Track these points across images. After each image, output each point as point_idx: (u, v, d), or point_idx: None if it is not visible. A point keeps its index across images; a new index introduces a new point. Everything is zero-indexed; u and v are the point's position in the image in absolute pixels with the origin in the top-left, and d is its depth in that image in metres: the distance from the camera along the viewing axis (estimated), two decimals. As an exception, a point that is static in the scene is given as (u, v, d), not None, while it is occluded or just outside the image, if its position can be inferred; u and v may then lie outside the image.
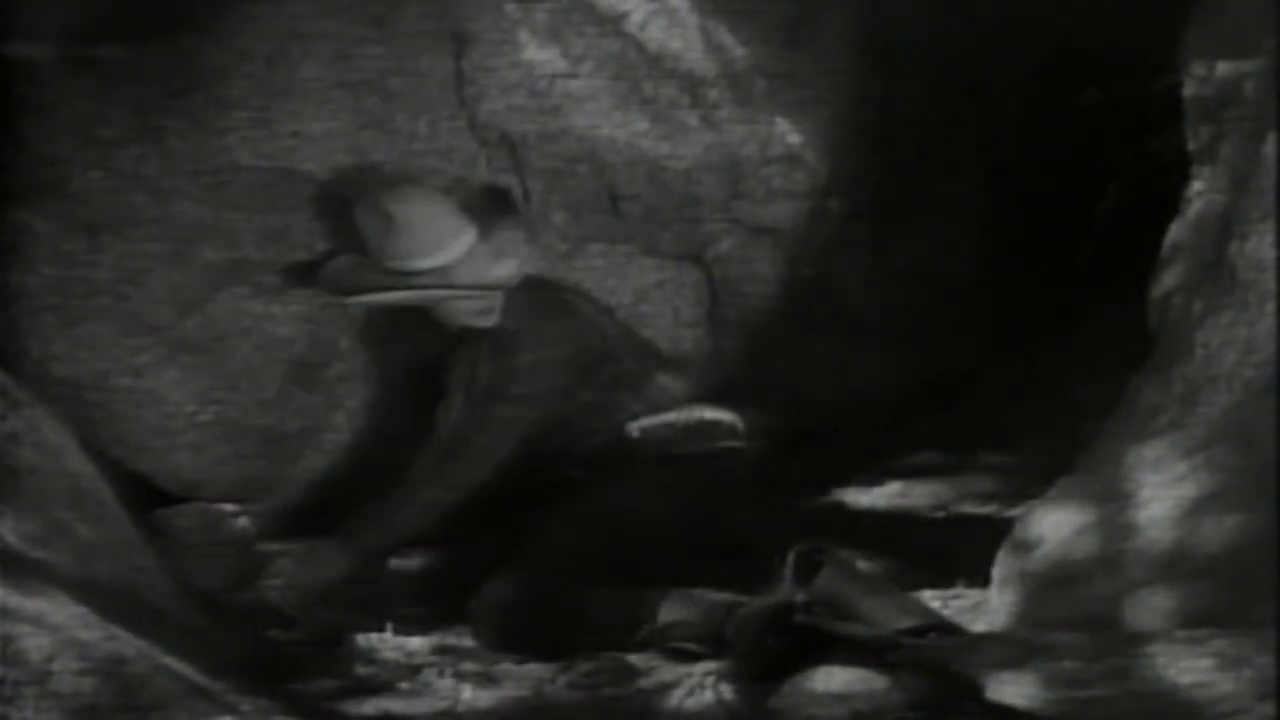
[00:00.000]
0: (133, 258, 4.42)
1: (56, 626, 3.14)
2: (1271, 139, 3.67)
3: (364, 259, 4.29)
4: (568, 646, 3.96)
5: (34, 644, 3.07)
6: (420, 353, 4.46)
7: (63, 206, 4.39)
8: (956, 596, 4.11)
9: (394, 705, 3.77)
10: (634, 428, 4.30)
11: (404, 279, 4.25)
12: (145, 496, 4.39)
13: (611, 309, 4.55)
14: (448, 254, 4.25)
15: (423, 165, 4.55)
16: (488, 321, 4.28)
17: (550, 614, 4.06)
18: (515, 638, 4.02)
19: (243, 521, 4.49)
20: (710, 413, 4.36)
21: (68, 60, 4.40)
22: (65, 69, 4.40)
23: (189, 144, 4.41)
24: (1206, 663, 3.21)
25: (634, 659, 3.93)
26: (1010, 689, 3.29)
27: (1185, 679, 3.20)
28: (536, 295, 4.31)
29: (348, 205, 4.34)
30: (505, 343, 4.25)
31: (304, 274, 4.44)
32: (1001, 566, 3.76)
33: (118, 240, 4.41)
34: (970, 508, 4.75)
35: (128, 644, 3.22)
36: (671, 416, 4.32)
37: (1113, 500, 3.61)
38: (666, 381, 4.37)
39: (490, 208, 4.38)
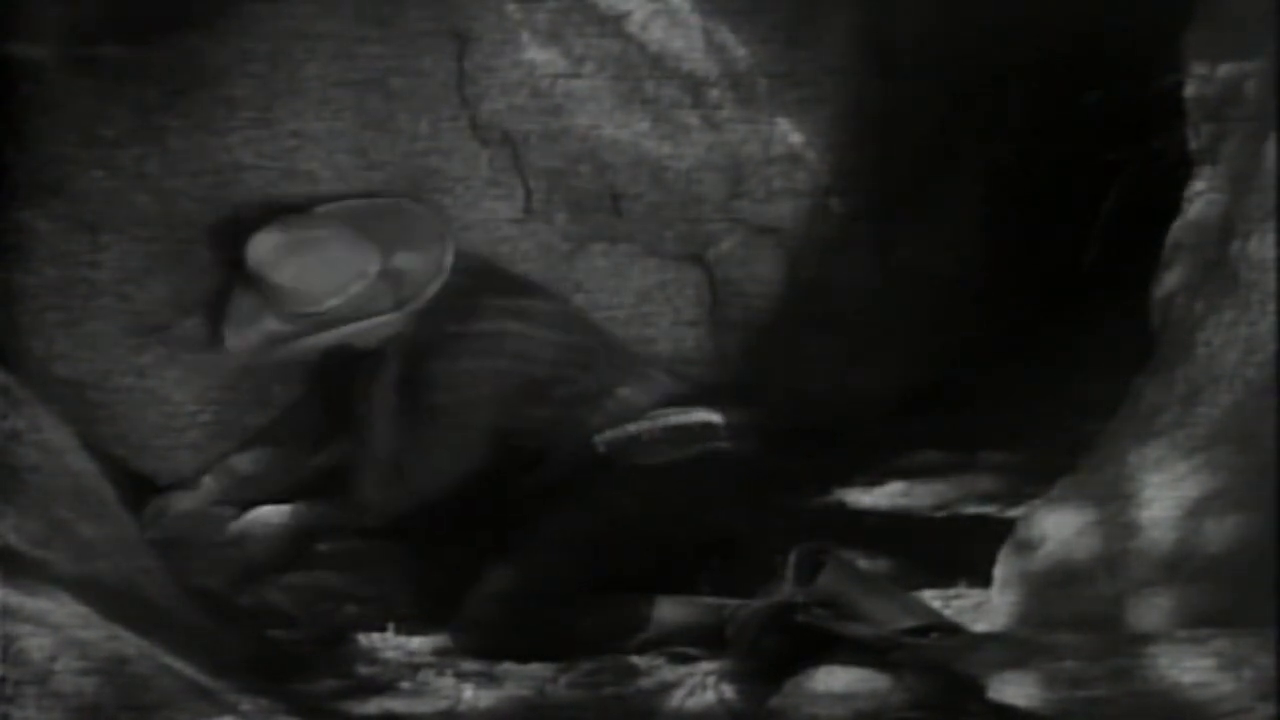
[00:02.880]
0: (135, 257, 4.42)
1: (58, 626, 3.13)
2: (1273, 139, 3.67)
3: (262, 300, 4.24)
4: (556, 656, 3.94)
5: (35, 643, 3.07)
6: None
7: (64, 206, 4.39)
8: (958, 596, 4.11)
9: (396, 705, 3.77)
10: (599, 441, 4.23)
11: (310, 321, 4.21)
12: (147, 496, 4.38)
13: (578, 318, 4.49)
14: (353, 288, 4.20)
15: (424, 165, 4.55)
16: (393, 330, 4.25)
17: (538, 623, 4.04)
18: (503, 646, 4.00)
19: (245, 522, 4.47)
20: (680, 417, 4.26)
21: (69, 60, 4.40)
22: (67, 68, 4.40)
23: (191, 144, 4.41)
24: (1208, 662, 3.21)
25: (636, 659, 3.93)
26: (1012, 689, 3.28)
27: (1187, 679, 3.20)
28: (460, 316, 4.23)
29: (240, 240, 4.29)
30: (424, 361, 4.21)
31: (208, 325, 4.41)
32: (1003, 566, 3.76)
33: (120, 240, 4.41)
34: (972, 507, 4.75)
35: (129, 644, 3.22)
36: (634, 428, 4.23)
37: (1114, 500, 3.61)
38: (627, 394, 4.27)
39: (393, 225, 4.32)
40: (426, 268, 4.24)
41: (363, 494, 4.26)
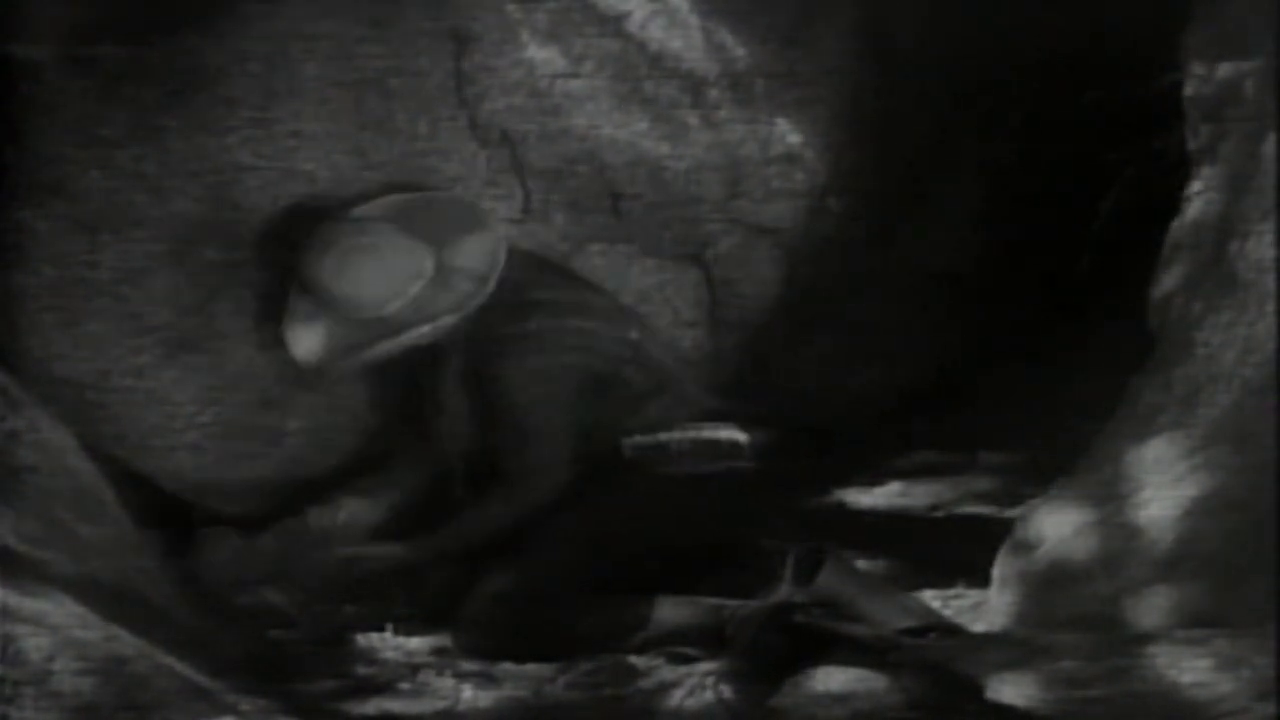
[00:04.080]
0: (133, 257, 4.42)
1: (56, 626, 3.14)
2: (1271, 139, 3.68)
3: (325, 309, 4.22)
4: (555, 656, 3.94)
5: (34, 644, 3.07)
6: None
7: (63, 206, 4.39)
8: (956, 596, 4.11)
9: (394, 705, 3.77)
10: (627, 445, 4.23)
11: (377, 327, 4.21)
12: (146, 497, 4.38)
13: (627, 311, 4.49)
14: (413, 289, 4.19)
15: (423, 165, 4.55)
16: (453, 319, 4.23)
17: (537, 623, 4.03)
18: (502, 646, 4.00)
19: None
20: (709, 432, 4.28)
21: (68, 60, 4.40)
22: (66, 69, 4.40)
23: (189, 144, 4.41)
24: (1206, 662, 3.21)
25: (634, 659, 3.93)
26: (1010, 689, 3.29)
27: (1185, 679, 3.20)
28: (517, 312, 4.22)
29: (291, 246, 4.29)
30: (490, 361, 4.20)
31: (269, 331, 4.39)
32: (1001, 566, 3.76)
33: (118, 240, 4.41)
34: (970, 508, 4.75)
35: (128, 644, 3.22)
36: (665, 437, 4.25)
37: (1113, 500, 3.61)
38: (668, 402, 4.27)
39: (435, 219, 4.31)
40: (482, 260, 4.23)
41: (474, 507, 4.24)
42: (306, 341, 4.26)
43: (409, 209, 4.34)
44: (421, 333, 4.19)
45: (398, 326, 4.19)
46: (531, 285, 4.28)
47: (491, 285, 4.20)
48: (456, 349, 4.23)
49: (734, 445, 4.30)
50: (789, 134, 4.86)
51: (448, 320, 4.19)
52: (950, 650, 3.56)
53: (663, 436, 4.25)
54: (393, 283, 4.18)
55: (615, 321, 4.34)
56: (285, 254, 4.31)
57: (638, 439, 4.24)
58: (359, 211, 4.33)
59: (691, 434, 4.27)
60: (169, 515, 4.40)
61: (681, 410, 4.30)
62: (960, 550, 4.20)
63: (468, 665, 3.95)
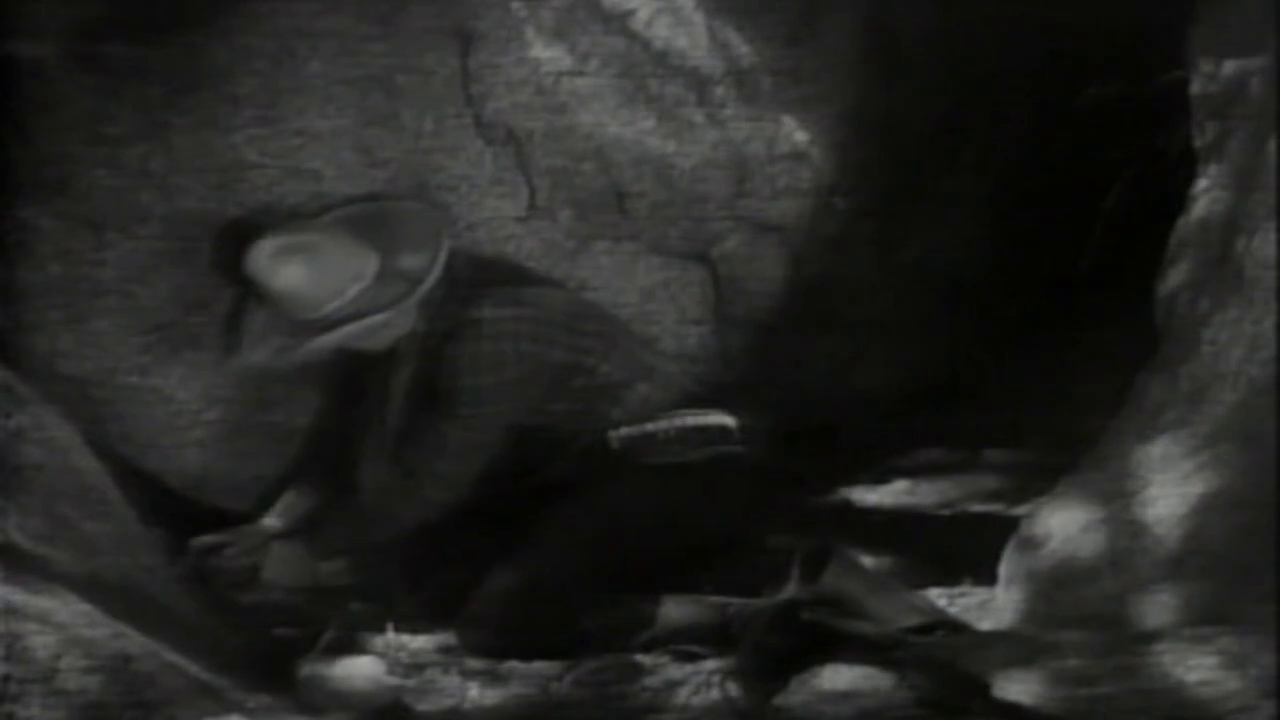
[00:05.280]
0: (139, 255, 4.42)
1: (62, 624, 3.14)
2: (1277, 136, 3.67)
3: (273, 314, 4.23)
4: (561, 654, 3.93)
5: (40, 642, 3.08)
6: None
7: (68, 204, 4.39)
8: (963, 594, 4.11)
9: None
10: (614, 437, 4.22)
11: (315, 326, 4.19)
12: (152, 494, 4.38)
13: (591, 306, 4.49)
14: (351, 291, 4.18)
15: (428, 163, 4.55)
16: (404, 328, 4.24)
17: (543, 621, 4.03)
18: (508, 644, 3.99)
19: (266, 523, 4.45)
20: (697, 419, 4.25)
21: (73, 58, 4.40)
22: (71, 67, 4.40)
23: (195, 141, 4.41)
24: (1212, 660, 3.21)
25: (641, 657, 3.93)
26: (1017, 687, 3.29)
27: (1191, 677, 3.20)
28: (469, 303, 4.20)
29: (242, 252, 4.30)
30: (440, 349, 4.18)
31: (227, 343, 4.41)
32: (1008, 564, 3.76)
33: (123, 238, 4.41)
34: (977, 506, 4.75)
35: (134, 642, 3.22)
36: (652, 426, 4.23)
37: (1119, 498, 3.61)
38: (647, 390, 4.26)
39: (387, 226, 4.30)
40: (423, 264, 4.22)
41: (372, 500, 4.25)
42: (256, 345, 4.27)
43: (367, 216, 4.34)
44: (357, 329, 4.18)
45: (333, 324, 4.18)
46: (483, 281, 4.26)
47: (426, 287, 4.18)
48: (409, 348, 4.23)
49: (722, 430, 4.27)
50: (795, 132, 4.86)
51: (376, 319, 4.18)
52: (957, 648, 3.55)
53: (649, 426, 4.23)
54: (332, 282, 4.18)
55: (576, 315, 4.32)
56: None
57: (624, 430, 4.23)
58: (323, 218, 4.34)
59: (678, 421, 4.25)
60: (174, 513, 4.40)
61: (665, 398, 4.27)
62: (966, 548, 4.20)
63: (474, 663, 3.95)
